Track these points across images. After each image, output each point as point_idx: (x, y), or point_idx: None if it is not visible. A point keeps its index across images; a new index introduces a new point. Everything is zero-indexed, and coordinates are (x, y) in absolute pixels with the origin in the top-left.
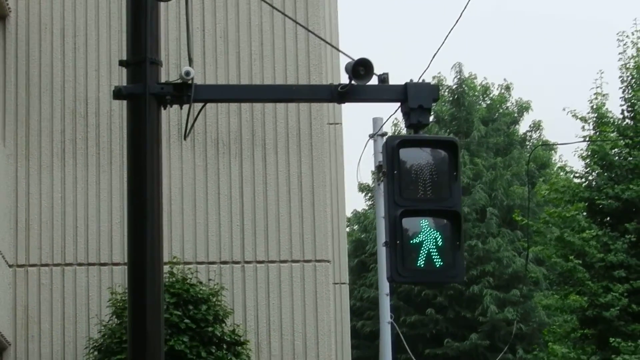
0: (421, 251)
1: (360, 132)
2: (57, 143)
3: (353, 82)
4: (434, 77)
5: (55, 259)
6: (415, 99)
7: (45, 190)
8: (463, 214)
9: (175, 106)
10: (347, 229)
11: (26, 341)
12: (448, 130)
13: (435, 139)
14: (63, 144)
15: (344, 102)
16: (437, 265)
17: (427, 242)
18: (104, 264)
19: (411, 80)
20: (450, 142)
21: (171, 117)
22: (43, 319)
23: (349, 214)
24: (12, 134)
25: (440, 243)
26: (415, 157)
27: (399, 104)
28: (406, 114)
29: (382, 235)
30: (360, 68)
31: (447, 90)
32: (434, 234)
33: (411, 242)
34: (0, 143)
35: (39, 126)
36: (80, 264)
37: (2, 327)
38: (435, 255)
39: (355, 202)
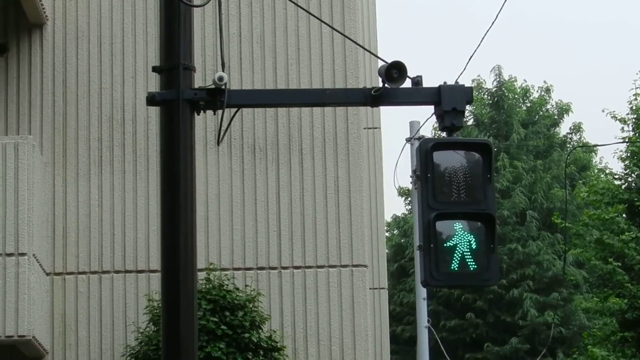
0: (455, 254)
1: (401, 136)
2: (94, 150)
3: (386, 85)
4: (473, 80)
5: (92, 267)
6: (449, 101)
7: (82, 198)
8: (497, 217)
9: (212, 112)
10: (387, 234)
11: (64, 349)
12: (488, 134)
13: (468, 141)
14: (100, 151)
15: (378, 106)
16: (471, 269)
17: (461, 245)
18: (141, 271)
19: (445, 82)
20: (484, 144)
21: (207, 123)
22: (80, 327)
23: (388, 218)
24: (49, 142)
25: (474, 246)
26: (449, 160)
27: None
28: (440, 117)
29: (417, 239)
30: (394, 71)
31: (486, 93)
32: (467, 237)
33: (445, 245)
34: (37, 151)
35: (76, 134)
36: (117, 272)
37: (40, 336)
38: (469, 258)
39: (395, 206)
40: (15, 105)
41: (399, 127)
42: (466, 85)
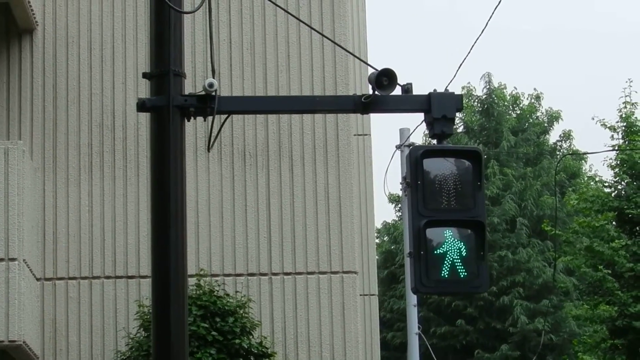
0: (445, 261)
1: (391, 143)
2: (84, 156)
3: (376, 92)
4: (463, 88)
5: (82, 272)
6: (438, 108)
7: (72, 204)
8: (487, 224)
9: (203, 118)
10: (377, 240)
11: (54, 354)
12: (477, 141)
13: (458, 149)
14: (90, 157)
15: (368, 113)
16: (461, 276)
17: (451, 252)
18: (132, 277)
19: (435, 90)
20: (474, 151)
21: (198, 129)
22: (71, 332)
23: (378, 225)
24: (39, 147)
25: (464, 253)
26: (439, 168)
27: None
28: (430, 124)
29: (408, 246)
30: (384, 78)
31: (476, 100)
32: (457, 244)
33: (435, 252)
34: (27, 156)
35: (66, 139)
36: (107, 277)
37: (30, 341)
38: (459, 265)
39: (386, 213)
40: (5, 111)
41: (389, 134)
42: (456, 93)
